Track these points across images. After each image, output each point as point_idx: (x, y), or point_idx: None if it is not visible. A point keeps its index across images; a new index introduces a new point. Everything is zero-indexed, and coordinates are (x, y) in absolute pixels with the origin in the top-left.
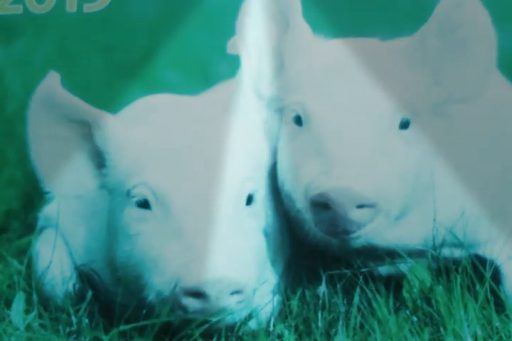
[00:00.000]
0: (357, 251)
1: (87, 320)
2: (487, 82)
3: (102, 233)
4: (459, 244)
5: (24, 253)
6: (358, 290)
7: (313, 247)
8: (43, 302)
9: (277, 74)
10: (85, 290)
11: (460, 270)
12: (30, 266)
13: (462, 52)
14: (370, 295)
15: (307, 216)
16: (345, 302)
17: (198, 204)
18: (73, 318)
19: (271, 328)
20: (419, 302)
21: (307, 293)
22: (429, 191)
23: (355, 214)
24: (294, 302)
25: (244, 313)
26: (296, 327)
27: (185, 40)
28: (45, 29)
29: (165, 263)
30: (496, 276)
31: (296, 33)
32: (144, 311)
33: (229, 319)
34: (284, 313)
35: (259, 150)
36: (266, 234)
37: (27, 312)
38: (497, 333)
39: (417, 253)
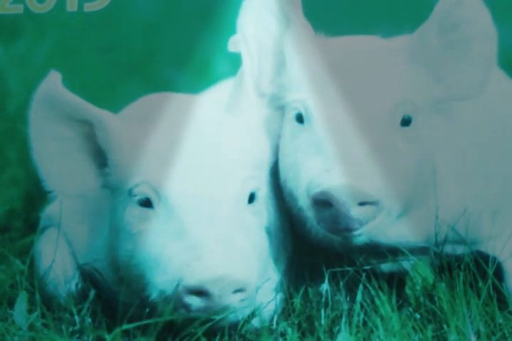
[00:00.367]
0: (359, 248)
1: (89, 319)
2: (488, 79)
3: (104, 232)
4: (462, 241)
5: (26, 253)
6: (360, 287)
7: (316, 245)
8: (45, 302)
9: (278, 72)
10: (88, 290)
11: (463, 267)
12: (32, 265)
13: (463, 50)
14: (372, 292)
15: (309, 214)
16: (348, 299)
17: (200, 202)
18: (76, 317)
19: (274, 326)
20: (422, 299)
21: (310, 290)
22: (431, 188)
23: (357, 212)
24: (297, 300)
25: (247, 311)
26: (299, 325)
27: (186, 39)
28: (46, 28)
29: (167, 261)
30: (499, 273)
31: (297, 30)
32: (147, 310)
33: (232, 317)
34: (287, 311)
35: (260, 149)
36: (268, 232)
37: (30, 311)
38: (500, 330)
39: (419, 251)
